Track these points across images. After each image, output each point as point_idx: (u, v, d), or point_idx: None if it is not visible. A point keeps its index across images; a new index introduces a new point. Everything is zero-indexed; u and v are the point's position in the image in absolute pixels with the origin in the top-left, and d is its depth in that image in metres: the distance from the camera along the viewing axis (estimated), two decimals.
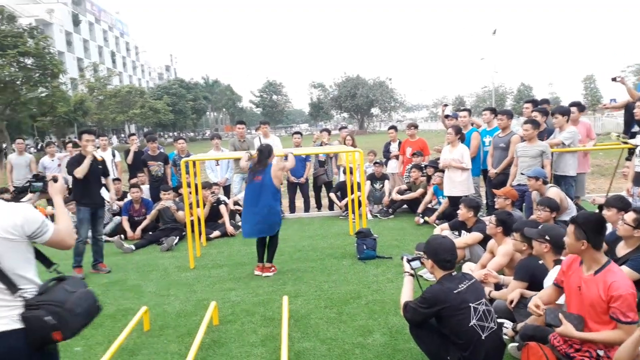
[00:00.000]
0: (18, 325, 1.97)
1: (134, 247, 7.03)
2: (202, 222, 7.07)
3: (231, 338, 3.89)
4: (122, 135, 60.71)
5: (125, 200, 8.18)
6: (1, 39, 26.60)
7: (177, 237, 7.28)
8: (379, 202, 8.72)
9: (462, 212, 5.31)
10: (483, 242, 5.04)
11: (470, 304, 2.83)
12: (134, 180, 8.47)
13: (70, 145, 9.73)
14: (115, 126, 47.71)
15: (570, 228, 2.84)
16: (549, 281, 3.28)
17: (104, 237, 7.58)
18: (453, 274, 3.00)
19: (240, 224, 8.11)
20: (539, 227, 3.73)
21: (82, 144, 5.81)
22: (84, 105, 37.65)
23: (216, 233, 7.56)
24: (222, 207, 7.85)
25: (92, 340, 3.98)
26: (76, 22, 60.51)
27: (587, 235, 2.75)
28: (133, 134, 9.88)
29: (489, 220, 4.57)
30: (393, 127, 9.92)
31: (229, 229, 7.65)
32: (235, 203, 8.36)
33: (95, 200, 5.97)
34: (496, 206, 5.49)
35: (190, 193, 6.77)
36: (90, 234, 6.03)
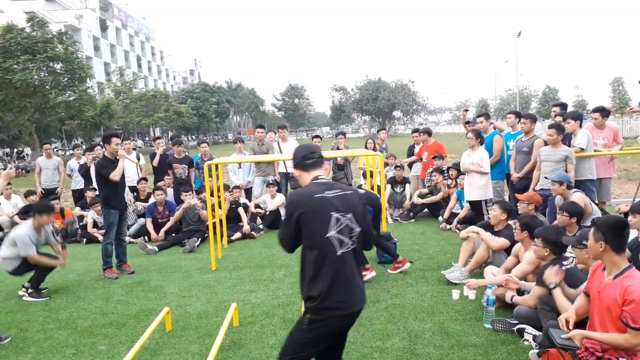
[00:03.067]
0: None
1: (157, 249, 7.16)
2: (224, 224, 7.16)
3: (251, 340, 3.93)
4: (147, 138, 61.78)
5: (150, 202, 8.33)
6: (32, 45, 27.38)
7: (199, 239, 7.38)
8: (400, 206, 8.69)
9: (496, 214, 5.13)
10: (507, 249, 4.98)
11: (333, 213, 2.42)
12: (160, 183, 8.63)
13: (77, 149, 10.00)
14: (140, 129, 48.60)
15: (591, 231, 2.84)
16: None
17: (128, 239, 7.75)
18: (322, 179, 2.56)
19: (260, 226, 8.21)
20: (578, 234, 3.69)
21: (113, 147, 5.88)
22: (110, 109, 38.44)
23: (237, 235, 7.65)
24: (242, 210, 7.94)
25: (115, 340, 4.08)
26: (103, 27, 61.89)
27: (605, 236, 2.73)
28: (159, 137, 10.06)
29: (513, 225, 4.51)
30: (416, 130, 9.88)
31: (246, 228, 7.73)
32: (257, 206, 8.44)
33: (123, 202, 6.12)
34: (519, 211, 5.41)
35: (212, 195, 6.86)
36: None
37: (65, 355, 3.85)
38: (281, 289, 5.18)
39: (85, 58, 42.84)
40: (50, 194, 9.06)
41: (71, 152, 40.20)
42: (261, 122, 67.89)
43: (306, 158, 2.61)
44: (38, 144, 27.35)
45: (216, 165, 6.82)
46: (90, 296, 5.30)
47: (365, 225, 2.55)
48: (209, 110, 60.25)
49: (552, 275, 3.47)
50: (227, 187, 8.03)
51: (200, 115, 57.47)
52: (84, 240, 8.09)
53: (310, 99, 79.83)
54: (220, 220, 6.99)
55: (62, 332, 4.30)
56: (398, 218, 8.42)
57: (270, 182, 8.58)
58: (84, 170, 9.09)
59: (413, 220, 8.35)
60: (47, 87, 29.40)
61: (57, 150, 46.74)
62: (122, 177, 6.02)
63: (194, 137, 66.67)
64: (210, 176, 6.74)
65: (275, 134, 9.70)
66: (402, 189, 8.77)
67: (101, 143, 7.46)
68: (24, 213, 8.62)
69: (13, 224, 8.46)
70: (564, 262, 3.76)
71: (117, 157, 5.91)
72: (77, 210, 8.81)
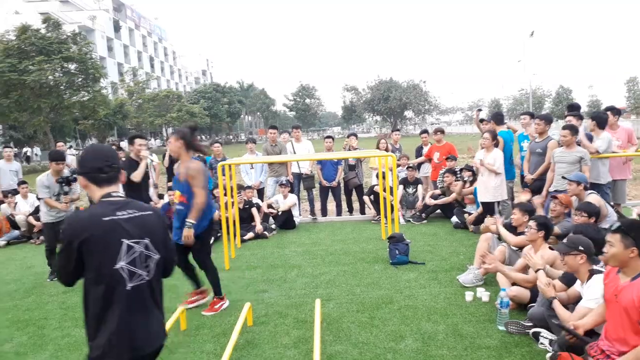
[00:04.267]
0: None
1: None
2: (237, 224, 7.21)
3: (264, 339, 3.97)
4: (157, 138, 62.24)
5: (163, 202, 8.41)
6: (46, 45, 27.74)
7: (212, 238, 7.44)
8: (412, 206, 8.68)
9: (517, 217, 5.11)
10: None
11: (125, 240, 2.02)
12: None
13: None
14: (153, 129, 49.01)
15: (616, 237, 2.74)
16: (594, 295, 3.16)
17: None
18: (115, 196, 2.10)
19: (273, 226, 8.25)
20: (566, 239, 3.60)
21: (136, 148, 5.99)
22: (124, 109, 38.83)
23: (250, 235, 7.70)
24: (255, 210, 7.99)
25: None
26: (117, 28, 62.52)
27: (636, 242, 2.67)
28: (149, 138, 10.15)
29: (528, 226, 4.49)
30: (425, 131, 9.87)
31: (259, 228, 7.78)
32: (269, 206, 8.48)
33: (146, 202, 6.17)
34: (551, 214, 5.37)
35: (225, 195, 6.92)
36: None
37: (82, 353, 3.90)
38: (294, 289, 5.21)
39: (99, 58, 43.29)
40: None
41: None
42: (273, 122, 68.13)
43: (102, 171, 2.10)
44: (53, 144, 27.68)
45: (229, 166, 6.88)
46: None
47: (166, 252, 2.21)
48: (221, 110, 60.57)
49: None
50: (240, 187, 8.09)
51: (212, 116, 57.80)
52: None
53: (321, 99, 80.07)
54: (233, 220, 7.05)
55: (79, 331, 4.36)
56: (410, 219, 8.41)
57: (283, 182, 8.62)
58: None
59: (425, 221, 8.34)
60: (61, 87, 29.77)
61: (71, 149, 47.30)
62: (147, 176, 6.12)
63: (206, 137, 67.04)
64: (224, 176, 6.79)
65: (289, 134, 9.74)
66: (414, 189, 8.76)
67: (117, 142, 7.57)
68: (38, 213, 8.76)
69: (29, 223, 8.61)
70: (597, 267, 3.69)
71: (140, 158, 6.00)
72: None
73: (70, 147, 44.80)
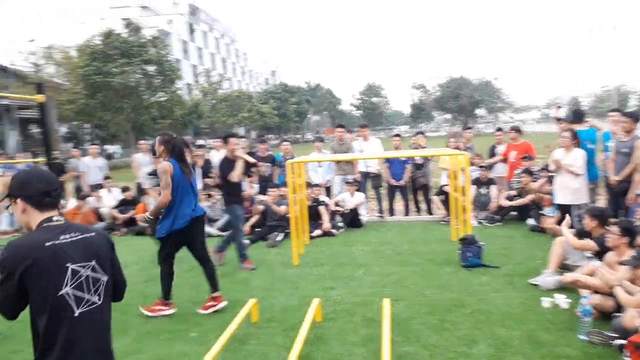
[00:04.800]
0: None
1: (249, 242, 7.41)
2: (305, 221, 7.31)
3: (333, 336, 3.99)
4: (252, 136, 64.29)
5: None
6: (128, 49, 29.54)
7: (282, 234, 7.59)
8: (484, 208, 8.39)
9: (586, 222, 4.90)
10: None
11: (70, 265, 1.92)
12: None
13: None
14: (226, 128, 50.78)
15: None
16: None
17: (217, 232, 8.13)
18: (55, 222, 1.98)
19: (340, 224, 8.28)
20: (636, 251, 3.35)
21: (231, 147, 5.98)
22: (198, 109, 40.58)
23: (317, 232, 7.78)
24: (322, 208, 8.05)
25: (206, 327, 4.31)
26: (191, 31, 65.34)
27: None
28: (243, 136, 10.48)
29: (612, 231, 4.21)
30: (500, 129, 9.50)
31: (326, 226, 7.83)
32: (336, 204, 8.52)
33: (241, 197, 6.37)
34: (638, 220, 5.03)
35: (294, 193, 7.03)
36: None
37: (161, 340, 4.13)
38: (361, 287, 5.20)
39: (175, 61, 45.45)
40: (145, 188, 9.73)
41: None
42: (339, 121, 68.33)
43: (48, 195, 1.99)
44: (134, 142, 29.43)
45: (298, 164, 6.99)
46: (183, 284, 5.62)
47: (114, 272, 2.12)
48: (289, 110, 61.62)
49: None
50: (308, 185, 8.19)
51: (281, 115, 58.95)
52: None
53: (388, 98, 79.32)
54: (302, 217, 7.15)
55: (157, 320, 4.60)
56: (483, 221, 8.13)
57: (350, 180, 8.63)
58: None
59: (500, 223, 8.02)
60: (141, 88, 31.60)
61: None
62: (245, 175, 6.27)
63: (275, 136, 68.53)
64: (292, 173, 6.90)
65: (351, 133, 9.76)
66: (487, 190, 8.45)
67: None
68: (121, 206, 9.35)
69: (113, 216, 9.21)
70: None
71: (236, 158, 5.96)
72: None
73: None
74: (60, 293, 1.89)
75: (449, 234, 7.28)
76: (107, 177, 10.15)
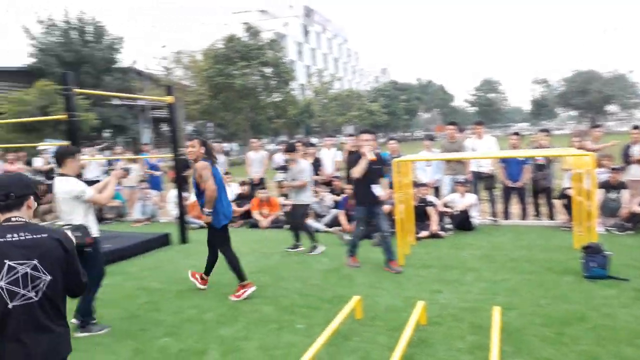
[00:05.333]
0: None
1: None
2: (412, 221, 7.19)
3: (438, 340, 3.89)
4: (339, 135, 65.33)
5: (343, 195, 8.82)
6: (248, 52, 31.30)
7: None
8: (614, 214, 7.59)
9: None
10: None
11: (7, 261, 2.12)
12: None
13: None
14: (335, 127, 51.73)
15: None
16: None
17: (323, 227, 8.32)
18: (14, 221, 2.23)
19: (449, 226, 8.02)
20: None
21: (359, 143, 5.94)
22: (310, 108, 41.77)
23: (424, 233, 7.61)
24: (430, 208, 7.85)
25: (312, 321, 4.44)
26: (306, 33, 67.41)
27: None
28: (351, 135, 10.60)
29: None
30: (637, 127, 8.52)
31: (434, 228, 7.62)
32: (445, 205, 8.27)
33: (368, 198, 5.98)
34: None
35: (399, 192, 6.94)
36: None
37: (270, 329, 4.33)
38: (470, 293, 5.00)
39: (290, 62, 47.24)
40: (258, 184, 10.27)
41: (277, 146, 44.91)
42: (451, 118, 66.08)
43: (7, 198, 2.25)
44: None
45: (404, 162, 6.89)
46: (291, 277, 5.85)
47: (60, 273, 2.24)
48: (399, 107, 60.97)
49: None
50: (415, 185, 8.04)
51: (389, 113, 58.54)
52: (289, 226, 8.92)
53: (506, 93, 74.99)
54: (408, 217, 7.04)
55: (267, 308, 4.84)
56: (611, 228, 7.36)
57: (461, 180, 8.32)
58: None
59: (631, 231, 7.21)
60: (258, 89, 33.30)
61: (264, 145, 52.70)
62: (373, 174, 5.89)
63: (382, 134, 68.25)
64: (398, 172, 6.82)
65: (463, 131, 9.38)
66: (617, 194, 7.64)
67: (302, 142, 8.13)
68: (238, 200, 9.95)
69: None
70: None
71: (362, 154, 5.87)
72: (282, 200, 9.80)
73: (263, 143, 49.75)
74: None
75: (571, 242, 6.71)
76: (226, 173, 10.87)
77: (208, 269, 5.55)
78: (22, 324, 2.15)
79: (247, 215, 9.60)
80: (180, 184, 8.52)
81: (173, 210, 9.16)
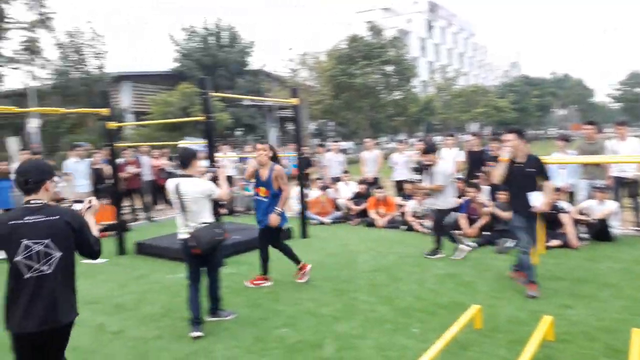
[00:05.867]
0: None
1: (476, 245, 7.21)
2: (541, 229, 6.70)
3: (567, 359, 3.61)
4: (462, 133, 62.82)
5: (465, 198, 8.51)
6: (369, 51, 31.44)
7: (513, 241, 7.11)
8: None
9: None
10: None
11: (23, 240, 2.57)
12: (474, 180, 8.72)
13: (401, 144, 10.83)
14: (458, 125, 49.85)
15: None
16: None
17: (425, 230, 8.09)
18: (33, 204, 2.66)
19: (585, 235, 7.33)
20: None
21: (501, 144, 5.59)
22: (432, 105, 40.74)
23: (555, 242, 7.04)
24: (563, 215, 7.24)
25: (428, 325, 4.38)
26: (430, 28, 65.82)
27: None
28: (475, 134, 10.17)
29: None
30: None
31: (571, 240, 7.01)
32: (580, 212, 7.57)
33: (523, 205, 5.20)
34: None
35: None
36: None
37: (385, 329, 4.36)
38: (607, 311, 4.54)
39: (412, 59, 46.51)
40: (372, 183, 10.36)
41: (394, 145, 44.60)
42: (590, 115, 59.99)
43: (26, 183, 2.68)
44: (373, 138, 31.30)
45: None
46: (407, 279, 5.81)
47: (69, 249, 2.71)
48: (530, 103, 56.83)
49: None
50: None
51: (520, 109, 54.83)
52: (405, 227, 8.86)
53: None
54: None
55: (383, 308, 4.88)
56: None
57: (599, 186, 7.54)
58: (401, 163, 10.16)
59: None
60: (379, 88, 33.30)
61: (386, 143, 52.56)
62: (522, 178, 5.17)
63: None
64: None
65: (611, 131, 8.46)
66: None
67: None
68: (356, 198, 10.10)
69: (348, 207, 10.03)
70: None
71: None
72: (399, 200, 9.75)
73: (380, 142, 49.59)
74: (15, 260, 2.58)
75: None
76: (345, 171, 11.10)
77: (266, 268, 5.88)
78: (36, 293, 2.60)
79: (364, 214, 9.70)
80: (303, 180, 8.87)
81: (295, 206, 9.58)
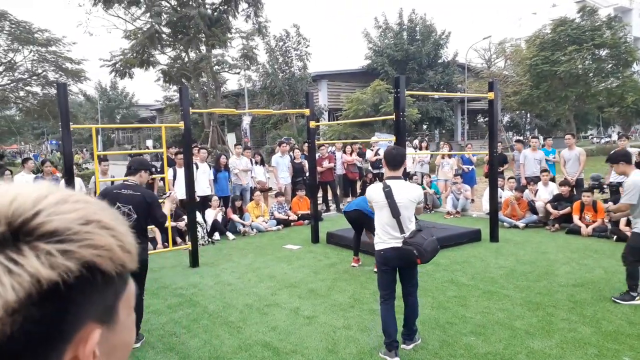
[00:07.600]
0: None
1: None
2: None
3: None
4: None
5: None
6: (579, 35, 27.92)
7: None
8: None
9: None
10: None
11: (118, 203, 4.10)
12: None
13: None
14: None
15: None
16: None
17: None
18: (128, 182, 4.38)
19: None
20: None
21: None
22: None
23: None
24: None
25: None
26: None
27: None
28: None
29: None
30: None
31: None
32: None
33: None
34: None
35: None
36: None
37: (588, 354, 3.91)
38: None
39: (634, 40, 39.83)
40: (575, 186, 9.45)
41: (607, 140, 38.91)
42: None
43: (129, 169, 4.49)
44: (575, 131, 27.95)
45: None
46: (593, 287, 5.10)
47: (142, 215, 4.25)
48: None
49: None
50: None
51: None
52: (615, 237, 7.77)
53: None
54: None
55: (585, 329, 4.38)
56: None
57: None
58: None
59: None
60: (589, 75, 29.42)
61: (592, 138, 46.30)
62: None
63: None
64: None
65: None
66: None
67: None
68: (556, 201, 9.16)
69: (546, 210, 9.15)
70: None
71: None
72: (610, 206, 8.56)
73: (591, 135, 43.70)
74: None
75: None
76: (543, 170, 10.15)
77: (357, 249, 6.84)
78: None
79: (565, 219, 8.76)
80: (495, 179, 8.40)
81: (485, 206, 9.14)
